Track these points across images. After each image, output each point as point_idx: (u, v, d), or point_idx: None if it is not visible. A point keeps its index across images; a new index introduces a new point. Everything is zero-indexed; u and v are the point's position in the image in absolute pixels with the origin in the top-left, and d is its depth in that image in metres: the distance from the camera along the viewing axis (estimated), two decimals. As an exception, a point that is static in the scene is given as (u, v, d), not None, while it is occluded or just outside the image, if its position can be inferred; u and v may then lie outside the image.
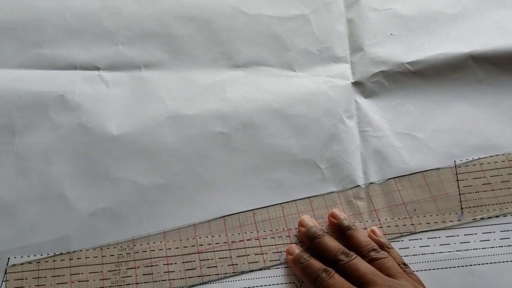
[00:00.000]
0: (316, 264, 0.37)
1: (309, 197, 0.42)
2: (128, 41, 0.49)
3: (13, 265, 0.39)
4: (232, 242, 0.41)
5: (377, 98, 0.46)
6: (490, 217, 0.41)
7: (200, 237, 0.41)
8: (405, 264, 0.38)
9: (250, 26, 0.50)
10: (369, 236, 0.40)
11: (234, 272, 0.39)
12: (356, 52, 0.48)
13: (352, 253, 0.37)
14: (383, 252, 0.37)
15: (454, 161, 0.43)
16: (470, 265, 0.39)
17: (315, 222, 0.40)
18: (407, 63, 0.47)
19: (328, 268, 0.36)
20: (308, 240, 0.40)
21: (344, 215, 0.41)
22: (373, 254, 0.37)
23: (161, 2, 0.50)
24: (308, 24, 0.50)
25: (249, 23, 0.50)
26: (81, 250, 0.40)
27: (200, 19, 0.50)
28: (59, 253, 0.40)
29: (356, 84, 0.47)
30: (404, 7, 0.50)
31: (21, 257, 0.40)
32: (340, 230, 0.40)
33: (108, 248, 0.40)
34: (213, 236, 0.41)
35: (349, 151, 0.44)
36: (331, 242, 0.38)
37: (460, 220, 0.41)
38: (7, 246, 0.40)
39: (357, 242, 0.38)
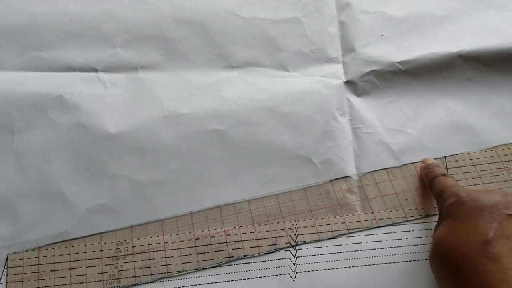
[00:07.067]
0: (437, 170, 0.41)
1: (303, 187, 0.43)
2: (126, 44, 0.50)
3: (12, 260, 0.40)
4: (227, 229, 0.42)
5: (369, 97, 0.48)
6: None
7: (196, 224, 0.41)
8: None
9: (245, 29, 0.51)
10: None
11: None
12: (348, 52, 0.50)
13: None
14: None
15: (445, 156, 0.44)
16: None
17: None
18: (398, 62, 0.48)
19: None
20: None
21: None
22: None
23: (157, 6, 0.51)
24: (301, 26, 0.51)
25: (244, 26, 0.51)
26: (80, 239, 0.41)
27: (196, 22, 0.51)
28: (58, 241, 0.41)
29: (348, 83, 0.48)
30: (394, 10, 0.51)
31: (20, 252, 0.40)
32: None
33: (105, 243, 0.41)
34: (209, 225, 0.42)
35: (342, 147, 0.45)
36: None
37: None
38: (7, 242, 0.41)
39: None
